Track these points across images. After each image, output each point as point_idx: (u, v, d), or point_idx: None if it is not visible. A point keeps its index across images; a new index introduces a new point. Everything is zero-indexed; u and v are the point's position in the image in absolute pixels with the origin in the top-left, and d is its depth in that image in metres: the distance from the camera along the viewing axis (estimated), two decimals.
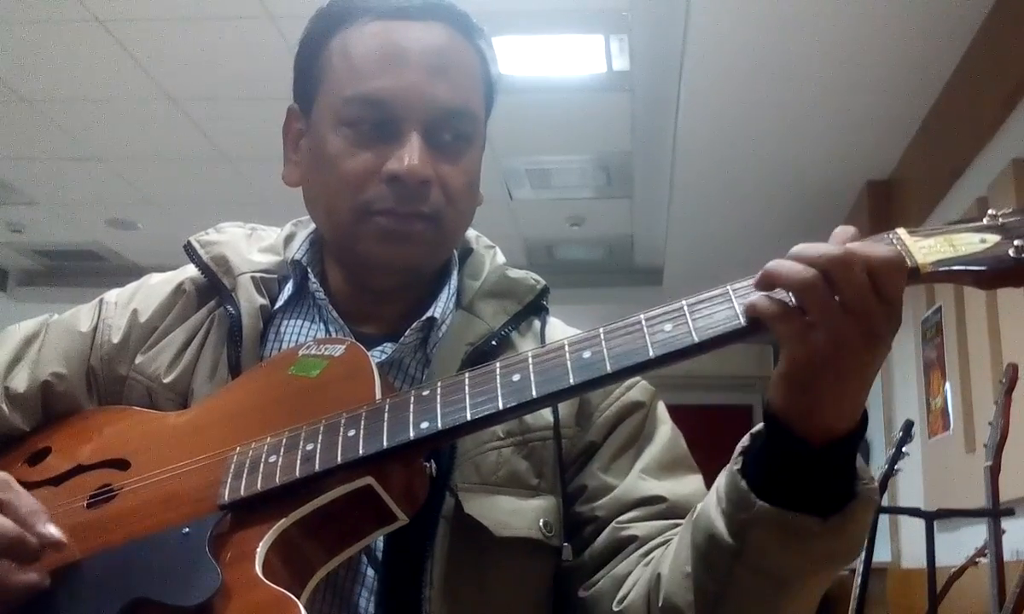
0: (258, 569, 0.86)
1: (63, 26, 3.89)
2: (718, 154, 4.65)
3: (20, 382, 1.13)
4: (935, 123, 4.10)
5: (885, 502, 3.51)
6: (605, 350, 0.85)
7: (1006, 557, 2.71)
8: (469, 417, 0.88)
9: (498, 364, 0.90)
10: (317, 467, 0.90)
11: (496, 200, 5.50)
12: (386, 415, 0.91)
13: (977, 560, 2.89)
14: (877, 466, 3.31)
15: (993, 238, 0.81)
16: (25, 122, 4.69)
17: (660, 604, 0.96)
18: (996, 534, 2.70)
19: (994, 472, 2.71)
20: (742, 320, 0.82)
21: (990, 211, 0.83)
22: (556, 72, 4.27)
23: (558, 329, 1.14)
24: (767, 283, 0.81)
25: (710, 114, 4.26)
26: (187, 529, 0.92)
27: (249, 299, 1.11)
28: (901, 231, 0.83)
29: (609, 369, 0.85)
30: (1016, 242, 0.79)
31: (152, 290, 1.18)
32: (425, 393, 0.91)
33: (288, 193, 1.17)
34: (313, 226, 1.17)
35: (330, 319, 1.11)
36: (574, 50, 4.13)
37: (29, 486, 1.03)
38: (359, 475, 0.90)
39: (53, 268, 7.04)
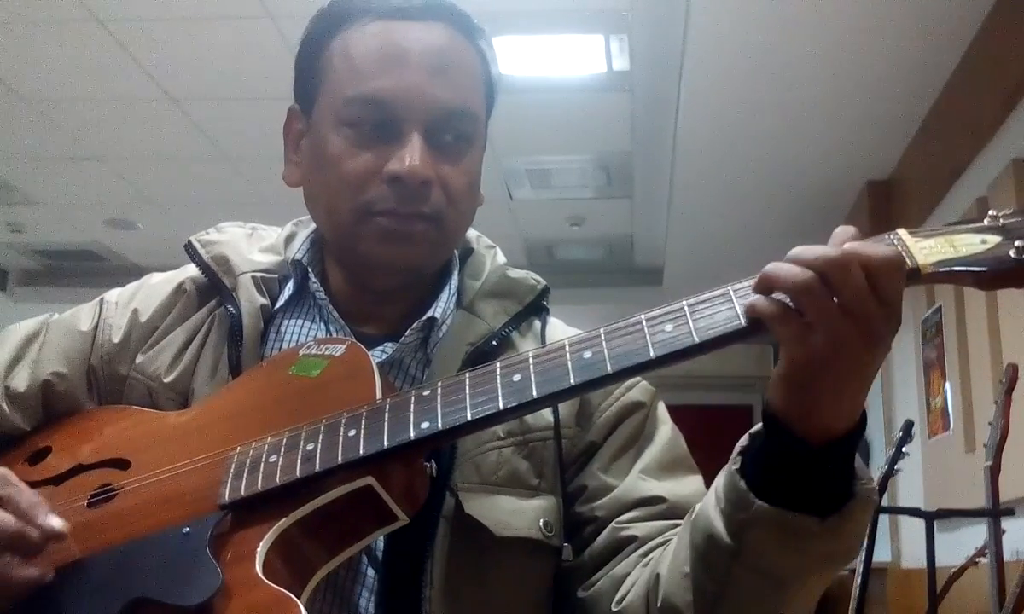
0: (258, 569, 0.86)
1: (63, 26, 3.89)
2: (718, 154, 4.65)
3: (21, 381, 1.13)
4: (935, 123, 4.10)
5: (885, 502, 3.51)
6: (606, 350, 0.85)
7: (1006, 557, 2.71)
8: (470, 417, 0.88)
9: (499, 364, 0.90)
10: (318, 467, 0.90)
11: (496, 200, 5.50)
12: (387, 415, 0.91)
13: (977, 560, 2.88)
14: (877, 466, 3.31)
15: (994, 239, 0.81)
16: (25, 122, 4.69)
17: (659, 604, 0.96)
18: (996, 534, 2.70)
19: (994, 472, 2.71)
20: (743, 321, 0.82)
21: (991, 212, 0.83)
22: (556, 72, 4.27)
23: (558, 329, 1.14)
24: (765, 286, 0.81)
25: (710, 114, 4.26)
26: (187, 529, 0.92)
27: (250, 299, 1.11)
28: (902, 232, 0.83)
29: (610, 369, 0.85)
30: (1017, 243, 0.80)
31: (153, 290, 1.18)
32: (426, 393, 0.91)
33: (288, 193, 1.17)
34: (314, 226, 1.17)
35: (331, 319, 1.11)
36: (574, 50, 4.13)
37: (29, 485, 1.03)
38: (360, 475, 0.90)
39: (53, 268, 7.04)
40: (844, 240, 0.81)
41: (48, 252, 6.76)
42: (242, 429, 0.98)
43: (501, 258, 1.21)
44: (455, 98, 1.07)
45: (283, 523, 0.90)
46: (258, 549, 0.88)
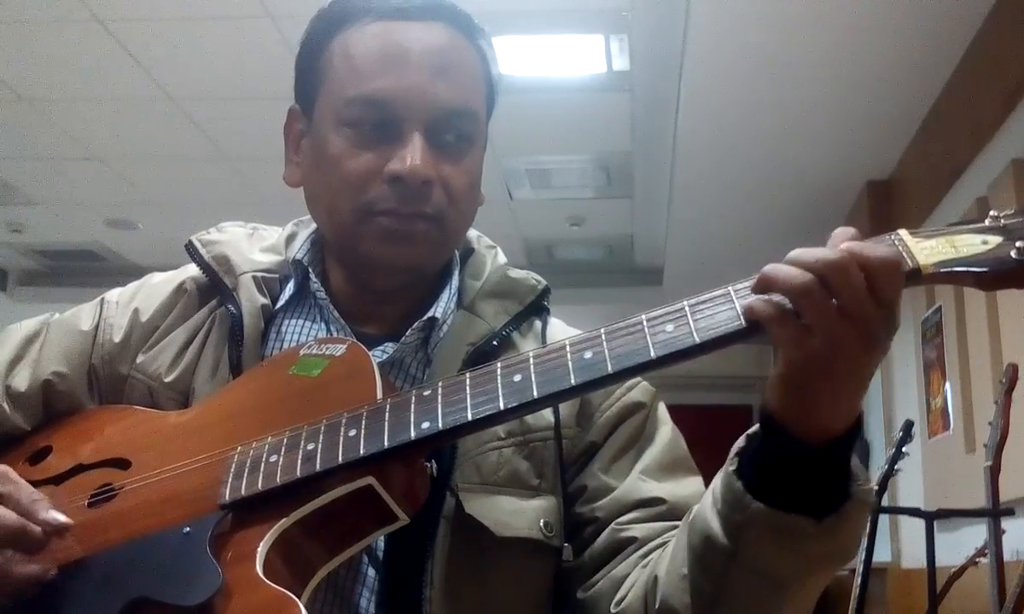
0: (259, 569, 0.86)
1: (63, 26, 3.89)
2: (718, 154, 4.65)
3: (21, 381, 1.13)
4: (935, 123, 4.10)
5: (885, 502, 3.51)
6: (606, 350, 0.85)
7: (1006, 557, 2.71)
8: (470, 417, 0.88)
9: (499, 364, 0.90)
10: (318, 467, 0.90)
11: (496, 200, 5.50)
12: (387, 415, 0.91)
13: (977, 560, 2.89)
14: (877, 466, 3.31)
15: (995, 239, 0.81)
16: (25, 122, 4.69)
17: (657, 606, 0.96)
18: (996, 534, 2.70)
19: (994, 472, 2.71)
20: (743, 321, 0.82)
21: (992, 212, 0.83)
22: (556, 72, 4.27)
23: (559, 329, 1.14)
24: (764, 287, 0.81)
25: (710, 114, 4.26)
26: (188, 529, 0.92)
27: (250, 298, 1.11)
28: (903, 232, 0.83)
29: (610, 369, 0.85)
30: (1018, 243, 0.80)
31: (153, 289, 1.18)
32: (426, 393, 0.91)
33: (288, 193, 1.17)
34: (314, 226, 1.17)
35: (331, 319, 1.11)
36: (574, 50, 4.13)
37: (30, 485, 1.03)
38: (360, 475, 0.90)
39: (53, 268, 7.04)
40: (843, 241, 0.81)
41: (48, 252, 6.76)
42: (242, 429, 0.98)
43: (502, 258, 1.21)
44: (456, 98, 1.07)
45: (283, 523, 0.90)
46: (258, 549, 0.88)
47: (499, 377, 0.89)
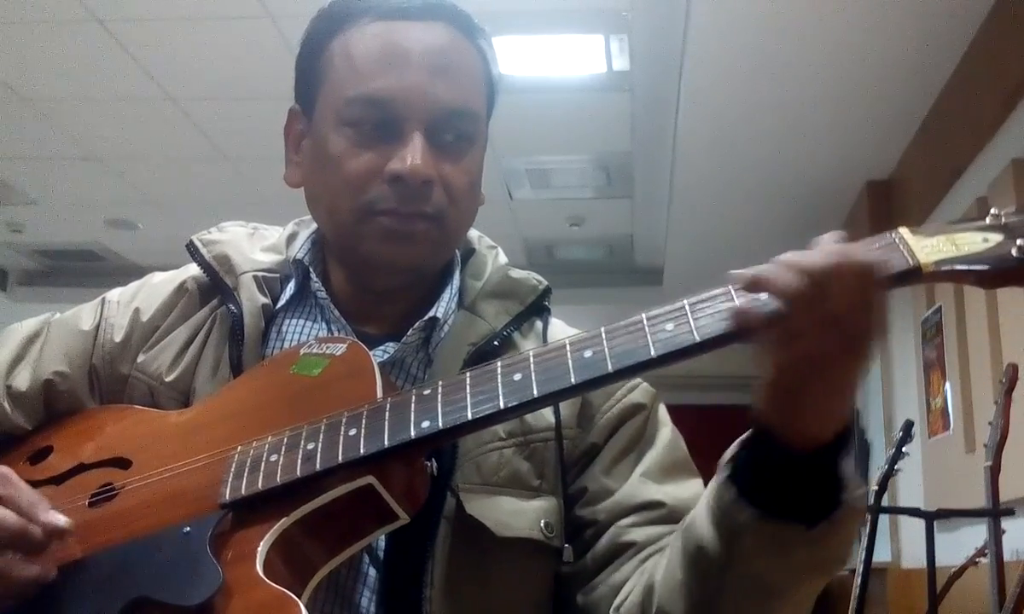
0: (259, 568, 0.87)
1: (63, 26, 3.89)
2: (718, 154, 4.65)
3: (22, 381, 1.13)
4: (935, 123, 4.10)
5: (885, 502, 3.51)
6: (607, 349, 0.85)
7: (1006, 557, 2.71)
8: (470, 416, 0.88)
9: (499, 363, 0.90)
10: (318, 466, 0.90)
11: (496, 200, 5.50)
12: (387, 414, 0.91)
13: (977, 560, 2.88)
14: (877, 466, 3.31)
15: (996, 237, 0.81)
16: (25, 122, 4.69)
17: (654, 612, 0.96)
18: (996, 534, 2.70)
19: (994, 472, 2.71)
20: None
21: (992, 210, 0.83)
22: (556, 72, 4.27)
23: (560, 330, 1.14)
24: (755, 288, 0.81)
25: (710, 114, 4.26)
26: (188, 528, 0.92)
27: (251, 298, 1.11)
28: (903, 230, 0.83)
29: (611, 368, 0.85)
30: (1019, 241, 0.79)
31: (154, 289, 1.18)
32: (426, 392, 0.91)
33: (288, 193, 1.17)
34: (315, 226, 1.17)
35: (332, 318, 1.11)
36: (574, 50, 4.12)
37: (31, 485, 1.03)
38: (360, 474, 0.90)
39: (53, 268, 7.04)
40: (832, 246, 0.81)
41: (48, 252, 6.76)
42: (243, 428, 0.98)
43: (503, 258, 1.21)
44: (456, 98, 1.07)
45: (284, 522, 0.90)
46: (259, 548, 0.88)
47: (499, 376, 0.89)
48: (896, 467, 3.18)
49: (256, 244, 1.18)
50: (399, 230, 1.05)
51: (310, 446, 0.92)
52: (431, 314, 1.09)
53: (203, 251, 1.14)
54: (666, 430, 1.13)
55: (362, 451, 0.89)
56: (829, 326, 0.79)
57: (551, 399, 0.89)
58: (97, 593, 0.93)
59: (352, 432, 0.91)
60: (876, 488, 3.26)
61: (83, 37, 3.94)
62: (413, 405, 0.91)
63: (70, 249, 6.63)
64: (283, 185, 1.16)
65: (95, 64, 4.15)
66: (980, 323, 3.50)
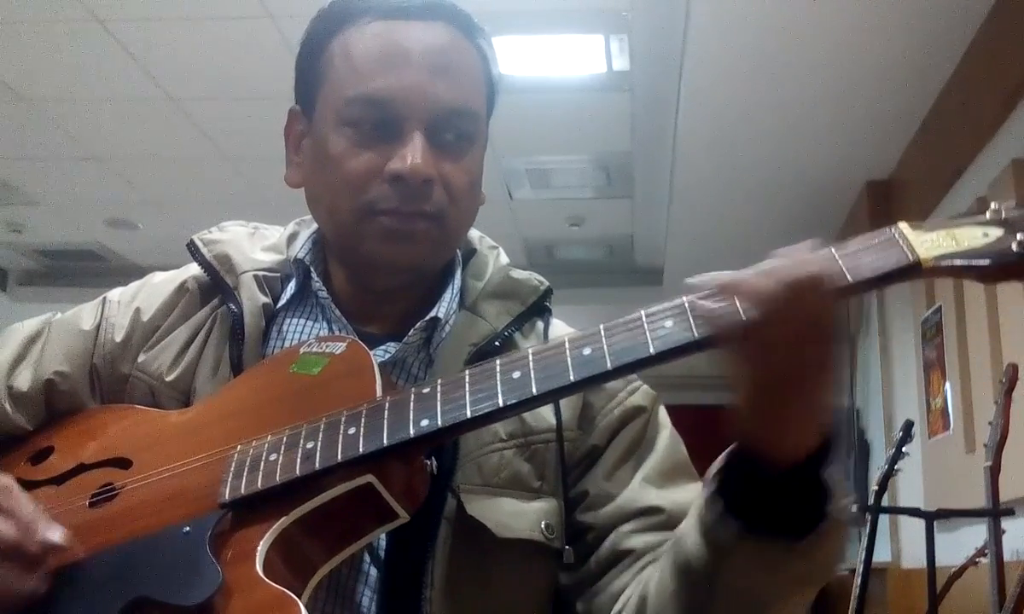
0: (259, 568, 0.86)
1: (63, 26, 3.89)
2: (718, 154, 4.65)
3: (23, 381, 1.13)
4: (935, 123, 4.10)
5: (885, 502, 3.51)
6: (606, 347, 0.85)
7: (1006, 557, 2.71)
8: (469, 414, 0.88)
9: (498, 361, 0.90)
10: (317, 465, 0.90)
11: (496, 200, 5.50)
12: (386, 413, 0.91)
13: (977, 560, 2.89)
14: (877, 466, 3.31)
15: (996, 232, 0.80)
16: (25, 122, 4.69)
17: None
18: (996, 534, 2.70)
19: (994, 472, 2.71)
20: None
21: (993, 205, 0.82)
22: (556, 72, 4.27)
23: (561, 330, 1.14)
24: (728, 293, 0.81)
25: (710, 114, 4.26)
26: (188, 528, 0.92)
27: (251, 297, 1.11)
28: (903, 225, 0.82)
29: (609, 365, 0.85)
30: (1019, 236, 0.79)
31: (155, 289, 1.18)
32: (425, 391, 0.91)
33: (288, 193, 1.17)
34: (316, 225, 1.17)
35: (334, 318, 1.11)
36: (574, 50, 4.12)
37: (32, 485, 1.03)
38: (359, 473, 0.90)
39: (53, 268, 7.04)
40: (801, 254, 0.81)
41: (48, 252, 6.76)
42: (243, 427, 0.98)
43: (504, 259, 1.21)
44: (456, 97, 1.07)
45: (283, 522, 0.90)
46: (258, 548, 0.88)
47: (498, 374, 0.89)
48: (896, 467, 3.18)
49: (257, 244, 1.18)
50: (400, 230, 1.05)
51: (309, 445, 0.92)
52: (432, 314, 1.09)
53: (204, 250, 1.14)
54: (666, 433, 1.13)
55: (361, 450, 0.89)
56: (797, 341, 0.79)
57: (550, 397, 0.89)
58: (97, 593, 0.93)
59: (351, 431, 0.91)
60: (876, 488, 3.26)
61: (83, 37, 3.94)
62: (412, 404, 0.91)
63: (70, 249, 6.63)
64: (283, 185, 1.16)
65: (95, 64, 4.15)
66: (980, 323, 3.50)
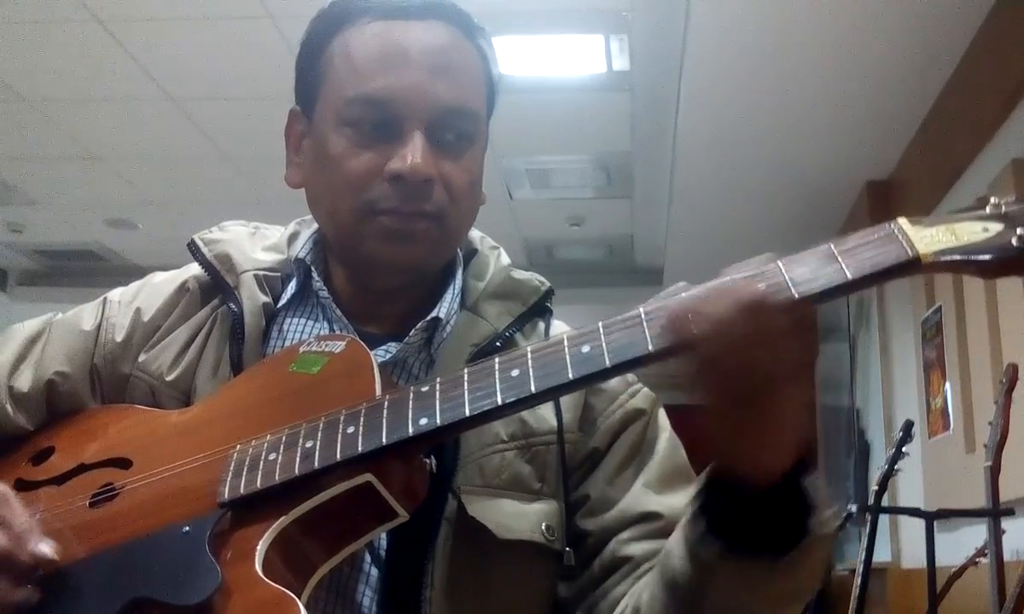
0: (258, 568, 0.86)
1: (63, 26, 3.89)
2: (718, 154, 4.65)
3: (24, 381, 1.13)
4: (935, 123, 4.10)
5: (885, 502, 3.51)
6: (604, 344, 0.85)
7: (1006, 557, 2.71)
8: (468, 413, 0.88)
9: (497, 359, 0.90)
10: (316, 464, 0.90)
11: (496, 200, 5.50)
12: (385, 411, 0.91)
13: (977, 560, 2.89)
14: (877, 466, 3.31)
15: (996, 227, 0.80)
16: (25, 122, 4.69)
17: None
18: (996, 534, 2.70)
19: (994, 472, 2.71)
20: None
21: (992, 199, 0.82)
22: (556, 72, 4.27)
23: (562, 331, 1.13)
24: (680, 319, 0.81)
25: (710, 114, 4.26)
26: (187, 528, 0.92)
27: (252, 297, 1.11)
28: (903, 221, 0.82)
29: (608, 363, 0.85)
30: (1019, 231, 0.78)
31: (155, 289, 1.18)
32: (424, 389, 0.91)
33: (289, 193, 1.17)
34: (316, 226, 1.17)
35: (334, 318, 1.11)
36: (574, 50, 4.13)
37: (33, 485, 1.04)
38: (358, 472, 0.90)
39: (53, 268, 7.04)
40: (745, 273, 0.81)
41: (48, 252, 6.76)
42: (242, 427, 0.98)
43: (505, 259, 1.21)
44: (456, 97, 1.07)
45: (282, 521, 0.90)
46: (258, 547, 0.88)
47: (497, 372, 0.89)
48: (896, 467, 3.19)
49: (257, 243, 1.18)
50: (400, 229, 1.05)
51: (308, 444, 0.92)
52: (433, 314, 1.09)
53: (204, 250, 1.14)
54: (665, 436, 1.12)
55: (360, 449, 0.89)
56: (749, 363, 0.79)
57: (549, 395, 0.89)
58: (97, 593, 0.93)
59: (350, 430, 0.91)
60: (876, 488, 3.26)
61: (83, 37, 3.94)
62: (411, 402, 0.91)
63: (70, 249, 6.63)
64: (284, 185, 1.16)
65: (95, 64, 4.15)
66: (980, 323, 3.50)
